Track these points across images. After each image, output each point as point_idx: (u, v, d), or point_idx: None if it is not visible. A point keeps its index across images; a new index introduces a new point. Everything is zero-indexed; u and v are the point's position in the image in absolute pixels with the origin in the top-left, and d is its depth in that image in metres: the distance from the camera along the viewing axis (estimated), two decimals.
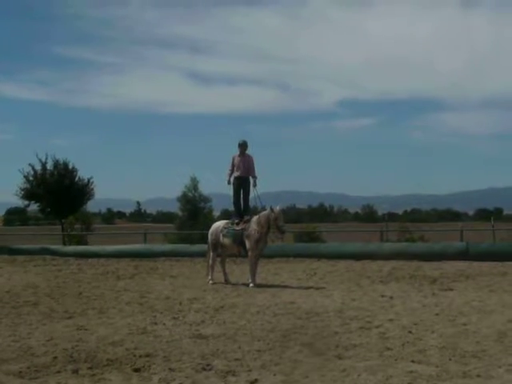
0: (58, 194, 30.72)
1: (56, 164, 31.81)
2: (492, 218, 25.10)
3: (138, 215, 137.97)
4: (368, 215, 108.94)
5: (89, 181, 32.69)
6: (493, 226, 23.58)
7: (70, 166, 32.27)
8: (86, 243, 29.31)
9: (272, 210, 13.24)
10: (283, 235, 13.83)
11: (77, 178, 32.40)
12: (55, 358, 6.65)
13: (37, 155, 31.43)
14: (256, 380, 5.75)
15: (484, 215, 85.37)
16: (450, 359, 6.39)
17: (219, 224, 14.41)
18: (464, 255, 18.06)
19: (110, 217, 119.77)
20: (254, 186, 14.11)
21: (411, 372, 5.89)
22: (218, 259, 14.39)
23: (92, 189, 32.91)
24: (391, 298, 10.93)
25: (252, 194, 14.21)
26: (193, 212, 30.15)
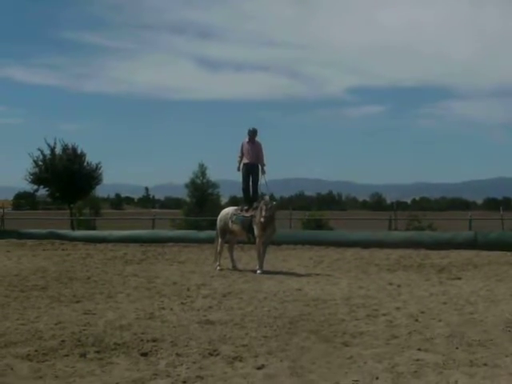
0: (66, 178, 30.77)
1: (65, 149, 31.84)
2: (501, 208, 25.05)
3: (147, 201, 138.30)
4: (376, 203, 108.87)
5: (97, 166, 32.71)
6: (501, 216, 23.52)
7: (79, 151, 32.29)
8: (94, 228, 29.42)
9: (262, 198, 13.36)
10: (262, 225, 13.33)
11: (85, 163, 32.42)
12: (63, 341, 6.69)
13: (45, 140, 31.46)
14: (263, 366, 5.76)
15: (493, 204, 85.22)
16: (456, 348, 6.39)
17: (228, 210, 14.44)
18: (472, 244, 18.05)
19: (119, 202, 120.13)
20: (263, 173, 14.17)
21: (418, 360, 5.89)
22: (226, 245, 14.42)
23: (100, 174, 32.93)
24: (398, 286, 10.94)
25: (260, 181, 14.26)
26: (201, 198, 30.16)
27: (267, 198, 13.35)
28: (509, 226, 23.41)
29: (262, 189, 14.26)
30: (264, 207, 13.13)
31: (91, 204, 36.98)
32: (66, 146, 31.86)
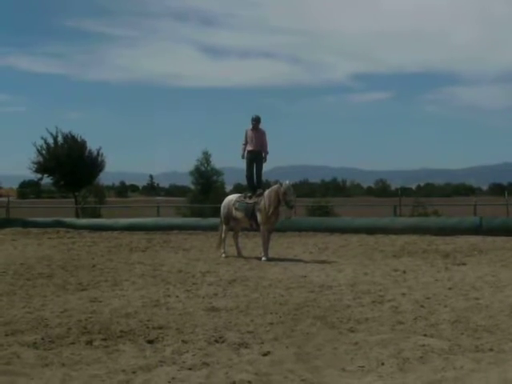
0: (69, 166, 30.87)
1: (66, 137, 31.93)
2: (506, 193, 24.95)
3: (151, 189, 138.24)
4: (381, 190, 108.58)
5: (98, 152, 32.74)
6: (507, 201, 23.44)
7: (80, 139, 32.37)
8: (99, 216, 29.46)
9: (281, 184, 13.21)
10: (291, 210, 13.78)
11: (87, 151, 32.51)
12: (69, 329, 6.71)
13: (47, 129, 31.58)
14: (268, 352, 5.77)
15: (498, 190, 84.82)
16: (462, 333, 6.39)
17: (232, 197, 14.44)
18: (477, 230, 18.01)
19: (123, 190, 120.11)
20: (264, 161, 14.18)
21: (423, 346, 5.89)
22: (231, 233, 14.43)
23: (103, 160, 32.98)
24: (404, 272, 10.92)
25: (264, 169, 14.26)
26: (205, 186, 30.19)
27: (287, 183, 13.29)
28: None
29: (266, 176, 14.23)
30: (289, 192, 13.11)
31: (96, 192, 37.04)
32: (66, 135, 31.97)
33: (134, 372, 5.25)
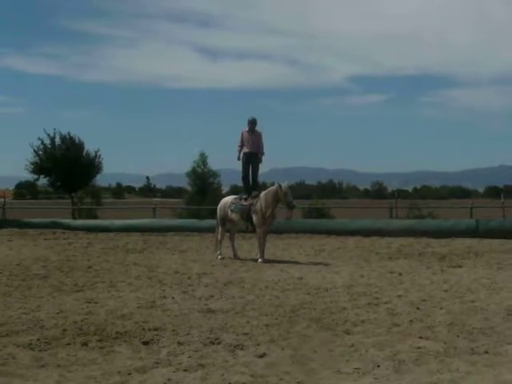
0: (65, 167, 30.85)
1: (63, 138, 31.91)
2: (502, 196, 25.00)
3: (148, 190, 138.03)
4: (377, 192, 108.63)
5: (96, 154, 32.72)
6: (503, 203, 23.49)
7: (77, 140, 32.34)
8: (95, 217, 29.40)
9: (280, 186, 13.23)
10: (292, 211, 13.76)
11: (84, 152, 32.48)
12: (65, 330, 6.70)
13: (45, 130, 31.57)
14: (264, 354, 5.77)
15: (494, 192, 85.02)
16: (457, 336, 6.39)
17: (228, 199, 14.44)
18: (473, 232, 18.05)
19: (120, 191, 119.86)
20: (260, 161, 14.19)
21: (419, 348, 5.90)
22: (227, 234, 14.42)
23: (100, 162, 32.95)
24: (400, 274, 10.94)
25: (260, 170, 14.26)
26: (202, 187, 30.13)
27: (285, 184, 13.31)
28: (510, 214, 23.38)
29: (262, 178, 14.24)
30: (289, 192, 13.14)
31: (92, 193, 36.99)
32: (64, 136, 31.95)
33: (129, 373, 5.25)
